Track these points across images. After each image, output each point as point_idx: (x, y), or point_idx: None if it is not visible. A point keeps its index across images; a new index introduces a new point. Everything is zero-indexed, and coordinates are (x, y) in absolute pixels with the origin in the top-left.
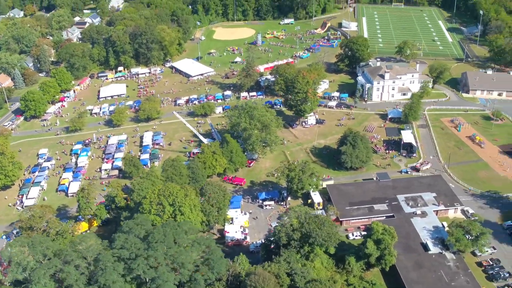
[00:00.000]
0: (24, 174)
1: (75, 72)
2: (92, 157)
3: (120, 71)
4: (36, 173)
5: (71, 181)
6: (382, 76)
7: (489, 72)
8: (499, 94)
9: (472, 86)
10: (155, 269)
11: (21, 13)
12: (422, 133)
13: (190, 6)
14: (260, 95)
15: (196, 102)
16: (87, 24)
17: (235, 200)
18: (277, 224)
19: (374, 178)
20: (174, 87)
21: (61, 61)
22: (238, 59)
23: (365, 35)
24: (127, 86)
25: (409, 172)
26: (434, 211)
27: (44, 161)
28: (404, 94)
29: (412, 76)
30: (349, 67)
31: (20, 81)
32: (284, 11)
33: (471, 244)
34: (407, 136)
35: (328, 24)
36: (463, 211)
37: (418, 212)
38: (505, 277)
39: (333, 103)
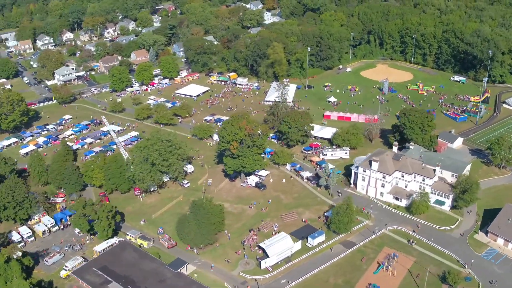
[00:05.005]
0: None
1: (193, 66)
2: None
3: (228, 76)
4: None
5: (35, 145)
6: (370, 164)
7: None
8: None
9: (493, 228)
10: None
11: (261, 5)
12: (330, 252)
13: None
14: (274, 138)
15: (219, 124)
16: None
17: (66, 213)
18: None
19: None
20: (241, 104)
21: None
22: (332, 98)
23: None
24: (211, 91)
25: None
26: None
27: (55, 124)
28: (397, 199)
29: (423, 181)
30: (401, 143)
31: (153, 58)
32: (465, 67)
33: None
34: (272, 241)
35: (487, 94)
36: None
37: None
38: None
39: (306, 174)
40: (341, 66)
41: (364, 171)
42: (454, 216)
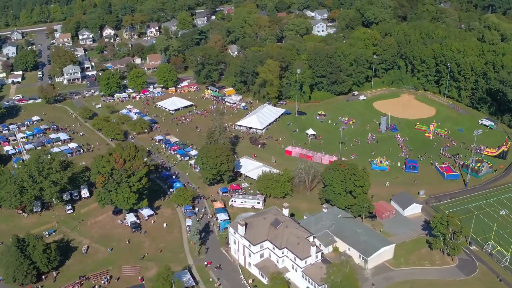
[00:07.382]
0: None
1: (196, 76)
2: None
3: (224, 92)
4: None
5: None
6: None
7: None
8: None
9: None
10: None
11: (325, 15)
12: None
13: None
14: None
15: (164, 146)
16: None
17: None
18: None
19: None
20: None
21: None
22: (310, 131)
23: None
24: (195, 106)
25: None
26: None
27: (19, 125)
28: (262, 275)
29: (295, 260)
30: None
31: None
32: (502, 109)
33: None
34: None
35: (504, 148)
36: None
37: None
38: None
39: (188, 222)
40: (356, 93)
41: (234, 233)
42: None
